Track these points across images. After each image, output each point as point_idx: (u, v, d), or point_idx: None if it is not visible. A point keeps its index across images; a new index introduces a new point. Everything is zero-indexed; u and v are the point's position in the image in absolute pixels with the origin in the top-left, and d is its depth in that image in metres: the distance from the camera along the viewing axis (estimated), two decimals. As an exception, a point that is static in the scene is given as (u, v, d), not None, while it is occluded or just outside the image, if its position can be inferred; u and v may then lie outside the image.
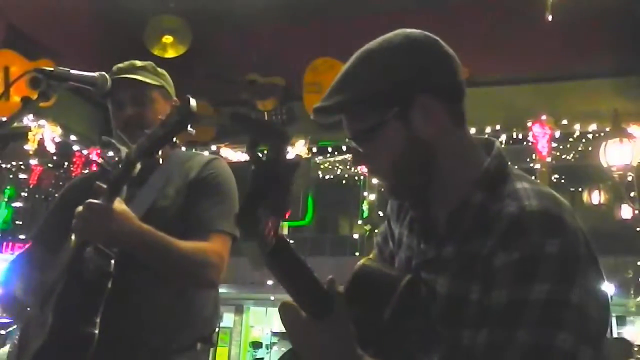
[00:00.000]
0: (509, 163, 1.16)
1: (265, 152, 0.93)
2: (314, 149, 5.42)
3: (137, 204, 1.75)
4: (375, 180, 5.22)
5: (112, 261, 1.57)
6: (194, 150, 4.30)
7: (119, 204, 1.56)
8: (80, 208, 1.54)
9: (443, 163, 1.13)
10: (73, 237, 1.63)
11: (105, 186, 1.54)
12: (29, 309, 1.73)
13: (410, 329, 1.13)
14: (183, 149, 2.17)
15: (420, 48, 1.13)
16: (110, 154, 1.66)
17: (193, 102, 1.45)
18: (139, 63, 1.94)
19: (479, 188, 1.11)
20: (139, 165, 1.51)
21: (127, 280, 1.60)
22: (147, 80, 1.90)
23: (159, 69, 1.99)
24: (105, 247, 1.57)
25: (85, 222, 1.54)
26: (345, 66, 1.16)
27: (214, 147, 5.38)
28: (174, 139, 1.49)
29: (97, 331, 1.52)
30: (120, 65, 1.93)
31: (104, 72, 1.71)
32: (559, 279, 0.96)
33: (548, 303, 0.95)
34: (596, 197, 6.32)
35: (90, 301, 1.55)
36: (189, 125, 1.45)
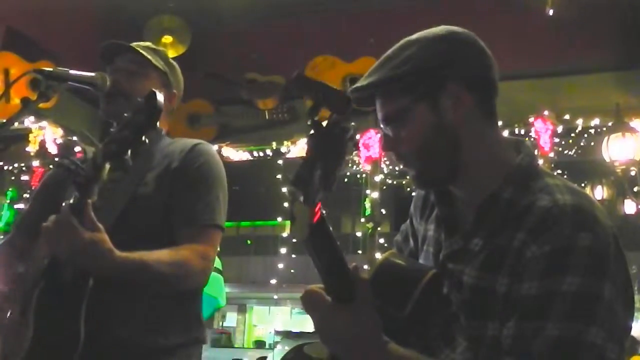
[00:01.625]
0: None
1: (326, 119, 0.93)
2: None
3: (120, 191, 1.72)
4: (377, 178, 5.21)
5: None
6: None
7: (91, 235, 1.46)
8: (49, 223, 1.48)
9: (469, 154, 1.15)
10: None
11: (76, 188, 1.47)
12: (9, 314, 1.69)
13: (431, 323, 1.15)
14: None
15: (457, 40, 1.18)
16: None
17: (160, 97, 1.39)
18: (152, 46, 1.95)
19: (509, 183, 1.12)
20: (107, 166, 1.45)
21: (107, 280, 1.55)
22: (146, 55, 1.88)
23: (170, 60, 1.99)
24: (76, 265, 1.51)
25: (53, 240, 1.48)
26: (389, 51, 1.20)
27: (215, 147, 5.36)
28: (144, 139, 1.42)
29: (82, 331, 1.49)
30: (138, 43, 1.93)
31: (103, 72, 1.71)
32: (591, 273, 0.97)
33: (579, 296, 0.96)
34: (599, 193, 6.33)
35: (72, 302, 1.51)
36: (157, 123, 1.40)
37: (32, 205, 1.95)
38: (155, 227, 1.71)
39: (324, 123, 0.94)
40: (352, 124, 0.97)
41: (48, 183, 1.97)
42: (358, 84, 1.19)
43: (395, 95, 1.16)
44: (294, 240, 0.99)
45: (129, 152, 1.43)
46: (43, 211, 1.63)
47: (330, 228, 0.97)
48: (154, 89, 1.41)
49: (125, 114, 1.45)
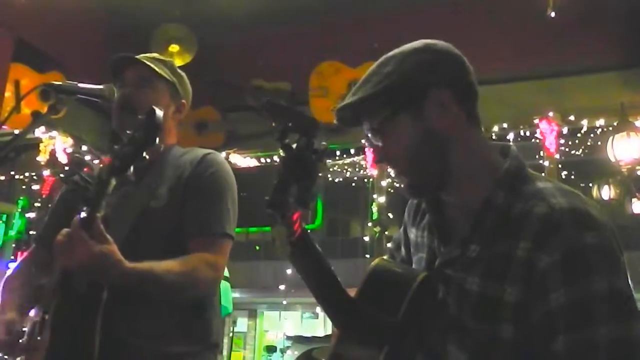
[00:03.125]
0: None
1: (295, 141, 0.97)
2: (322, 153, 5.43)
3: (131, 205, 1.74)
4: (384, 183, 5.23)
5: None
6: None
7: (101, 247, 1.49)
8: (60, 237, 1.51)
9: (458, 160, 1.17)
10: None
11: (84, 204, 1.50)
12: (25, 329, 1.72)
13: (426, 325, 1.16)
14: None
15: (434, 49, 1.21)
16: (97, 162, 1.65)
17: (159, 113, 1.42)
18: (159, 57, 1.97)
19: (500, 188, 1.14)
20: (113, 182, 1.48)
21: (122, 290, 1.57)
22: (153, 66, 1.91)
23: (178, 70, 2.01)
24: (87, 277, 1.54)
25: (65, 254, 1.50)
26: (369, 70, 1.23)
27: (222, 154, 5.40)
28: (144, 155, 1.45)
29: (97, 342, 1.52)
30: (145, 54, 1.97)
31: (111, 84, 1.74)
32: (609, 269, 1.00)
33: (612, 295, 0.98)
34: (606, 192, 6.29)
35: (87, 313, 1.54)
36: (156, 139, 1.42)
37: (50, 219, 1.98)
38: (167, 238, 1.72)
39: (294, 145, 0.98)
40: (323, 143, 1.00)
41: (65, 197, 2.00)
42: (340, 105, 1.22)
43: (379, 110, 1.18)
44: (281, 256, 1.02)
45: (131, 168, 1.46)
46: (60, 225, 1.67)
47: (315, 245, 1.00)
48: (153, 106, 1.44)
49: (128, 132, 1.48)
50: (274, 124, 1.02)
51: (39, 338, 1.62)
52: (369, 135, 1.23)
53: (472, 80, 1.21)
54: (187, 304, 1.79)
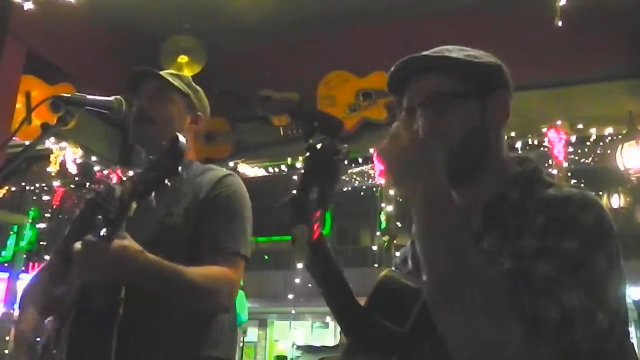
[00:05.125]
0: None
1: (320, 141, 0.98)
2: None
3: (148, 221, 1.76)
4: (392, 192, 5.23)
5: (122, 288, 1.59)
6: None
7: (121, 239, 1.53)
8: (78, 246, 1.53)
9: (491, 161, 1.23)
10: None
11: (104, 223, 1.53)
12: (40, 340, 1.73)
13: (431, 340, 1.16)
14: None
15: (497, 59, 1.29)
16: (106, 172, 1.67)
17: (182, 140, 1.45)
18: (176, 72, 2.03)
19: (515, 185, 1.18)
20: (134, 205, 1.50)
21: (140, 304, 1.59)
22: (169, 79, 1.95)
23: (193, 84, 2.05)
24: (107, 284, 1.57)
25: (83, 261, 1.53)
26: (442, 47, 1.28)
27: (231, 164, 5.43)
28: (167, 182, 1.47)
29: (112, 357, 1.53)
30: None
31: (119, 96, 1.76)
32: (589, 244, 1.01)
33: (573, 256, 0.99)
34: (616, 201, 6.26)
35: (104, 328, 1.56)
36: (179, 168, 1.45)
37: (70, 231, 2.00)
38: (183, 256, 1.72)
39: (318, 146, 0.98)
40: (345, 145, 1.01)
41: (85, 211, 2.03)
42: (415, 55, 1.24)
43: (454, 79, 1.22)
44: (297, 262, 1.02)
45: (153, 194, 1.49)
46: (80, 237, 1.69)
47: (330, 252, 1.00)
48: (177, 133, 1.47)
49: (151, 157, 1.51)
50: (297, 127, 1.03)
51: (54, 351, 1.63)
52: (418, 104, 1.23)
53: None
54: (203, 321, 1.80)
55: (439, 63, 1.23)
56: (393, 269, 1.49)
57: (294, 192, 0.96)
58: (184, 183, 1.89)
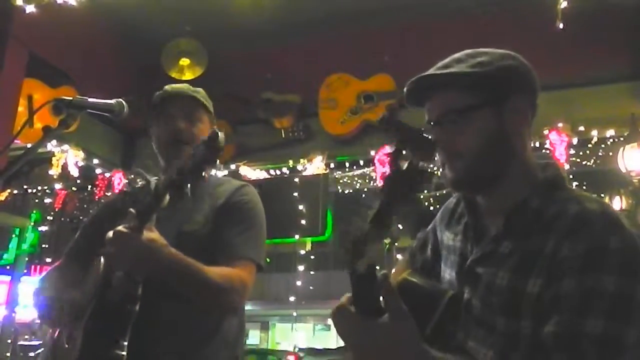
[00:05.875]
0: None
1: (407, 160, 0.96)
2: (332, 165, 5.45)
3: (168, 228, 1.78)
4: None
5: (140, 286, 1.63)
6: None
7: (149, 232, 1.59)
8: (110, 234, 1.59)
9: (515, 165, 1.22)
10: (102, 260, 1.68)
11: (135, 213, 1.58)
12: (56, 332, 1.77)
13: (452, 344, 1.17)
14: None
15: (520, 59, 1.27)
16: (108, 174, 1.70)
17: (222, 136, 1.50)
18: (192, 88, 2.04)
19: (536, 193, 1.18)
20: (168, 197, 1.56)
21: (154, 303, 1.65)
22: (202, 100, 1.99)
23: (207, 96, 2.07)
24: (133, 273, 1.62)
25: (115, 249, 1.58)
26: (454, 55, 1.27)
27: (233, 166, 5.43)
28: (204, 173, 1.52)
29: (124, 354, 1.57)
30: (175, 85, 2.05)
31: (120, 99, 1.77)
32: (625, 273, 1.02)
33: (617, 296, 1.00)
34: (617, 203, 6.24)
35: (118, 325, 1.60)
36: (217, 160, 1.50)
37: (82, 234, 2.03)
38: (200, 261, 1.74)
39: (404, 166, 0.96)
40: (431, 166, 0.98)
41: (100, 215, 2.06)
42: (433, 72, 1.24)
43: (465, 93, 1.21)
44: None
45: (189, 185, 1.54)
46: (93, 241, 1.73)
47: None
48: (216, 129, 1.53)
49: (192, 149, 1.55)
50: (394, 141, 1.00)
51: (67, 346, 1.66)
52: (436, 119, 1.24)
53: (537, 96, 1.27)
54: (214, 322, 1.84)
55: (446, 80, 1.23)
56: (406, 258, 1.50)
57: (376, 211, 0.95)
58: (204, 192, 1.93)
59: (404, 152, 0.98)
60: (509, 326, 1.11)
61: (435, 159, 1.14)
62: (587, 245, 1.04)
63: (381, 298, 1.03)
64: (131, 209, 1.61)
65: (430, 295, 1.21)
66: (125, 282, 1.62)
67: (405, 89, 1.28)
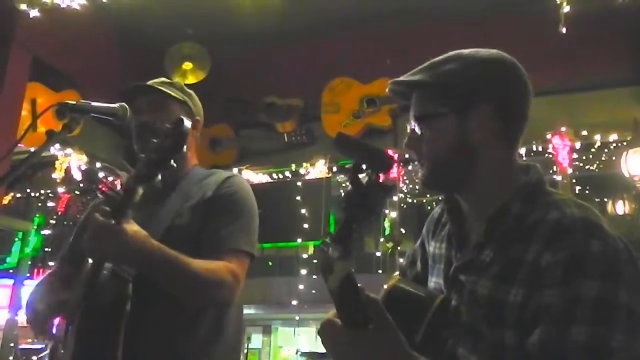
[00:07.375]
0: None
1: (366, 175, 0.96)
2: (334, 168, 5.45)
3: (157, 223, 1.78)
4: (395, 198, 5.22)
5: (130, 285, 1.60)
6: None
7: (129, 225, 1.55)
8: (90, 227, 1.56)
9: (483, 172, 1.21)
10: (89, 261, 1.66)
11: (110, 211, 1.55)
12: (54, 331, 1.76)
13: (443, 352, 1.16)
14: None
15: (502, 65, 1.24)
16: (111, 178, 1.69)
17: (187, 122, 1.48)
18: (167, 80, 2.02)
19: (517, 198, 1.17)
20: (140, 191, 1.51)
21: (145, 302, 1.62)
22: (165, 90, 1.96)
23: (187, 89, 2.06)
24: (115, 265, 1.58)
25: (94, 239, 1.54)
26: (434, 59, 1.27)
27: (235, 170, 5.44)
28: (172, 162, 1.49)
29: (120, 354, 1.55)
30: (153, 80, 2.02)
31: (124, 103, 1.77)
32: (608, 277, 1.01)
33: (600, 301, 0.99)
34: (620, 207, 6.24)
35: (111, 325, 1.57)
36: (183, 147, 1.47)
37: (76, 238, 2.02)
38: (190, 255, 1.72)
39: (364, 181, 0.97)
40: (391, 180, 0.98)
41: (89, 217, 2.03)
42: (400, 78, 1.27)
43: (430, 100, 1.23)
44: (315, 260, 1.02)
45: (159, 175, 1.50)
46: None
47: (355, 278, 1.00)
48: (181, 116, 1.49)
49: (154, 140, 1.52)
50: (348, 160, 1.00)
51: (62, 351, 1.64)
52: (412, 119, 1.26)
53: (524, 105, 1.23)
54: (209, 319, 1.82)
55: (411, 89, 1.26)
56: (398, 273, 1.50)
57: (338, 229, 0.95)
58: (192, 185, 1.92)
59: (363, 167, 0.98)
60: (493, 335, 1.10)
61: (394, 171, 1.13)
62: (567, 252, 1.03)
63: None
64: (103, 206, 1.57)
65: (420, 301, 1.20)
66: (114, 282, 1.59)
67: (386, 90, 1.31)
